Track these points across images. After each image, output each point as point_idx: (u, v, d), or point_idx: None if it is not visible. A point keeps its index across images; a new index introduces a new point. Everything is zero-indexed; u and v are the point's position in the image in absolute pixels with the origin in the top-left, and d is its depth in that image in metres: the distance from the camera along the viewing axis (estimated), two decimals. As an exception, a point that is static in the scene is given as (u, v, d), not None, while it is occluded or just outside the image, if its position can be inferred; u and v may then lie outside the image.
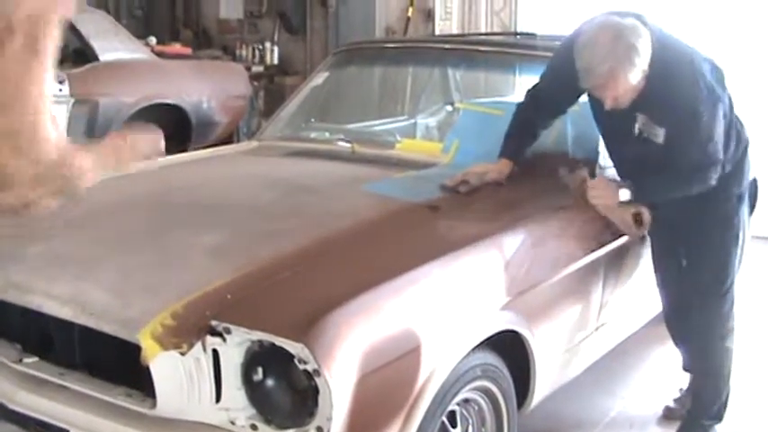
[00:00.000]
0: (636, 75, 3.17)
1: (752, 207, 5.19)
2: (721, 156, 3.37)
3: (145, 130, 0.97)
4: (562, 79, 3.45)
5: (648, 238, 3.83)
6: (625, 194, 3.37)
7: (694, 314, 3.71)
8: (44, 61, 0.94)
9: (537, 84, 3.75)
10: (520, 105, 3.75)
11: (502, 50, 4.73)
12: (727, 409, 3.84)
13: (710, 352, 3.76)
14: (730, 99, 3.50)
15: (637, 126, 3.39)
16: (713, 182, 3.38)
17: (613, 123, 3.51)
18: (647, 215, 3.50)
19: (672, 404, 4.14)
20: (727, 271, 3.64)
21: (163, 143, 0.98)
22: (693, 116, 3.28)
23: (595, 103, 3.46)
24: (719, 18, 7.84)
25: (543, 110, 3.70)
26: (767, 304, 5.72)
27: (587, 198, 3.44)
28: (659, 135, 3.34)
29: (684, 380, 4.13)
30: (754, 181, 4.96)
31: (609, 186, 3.43)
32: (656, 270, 3.87)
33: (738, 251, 3.69)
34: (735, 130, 3.55)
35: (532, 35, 5.12)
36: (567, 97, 3.62)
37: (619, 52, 3.13)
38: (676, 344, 4.06)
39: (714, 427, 3.84)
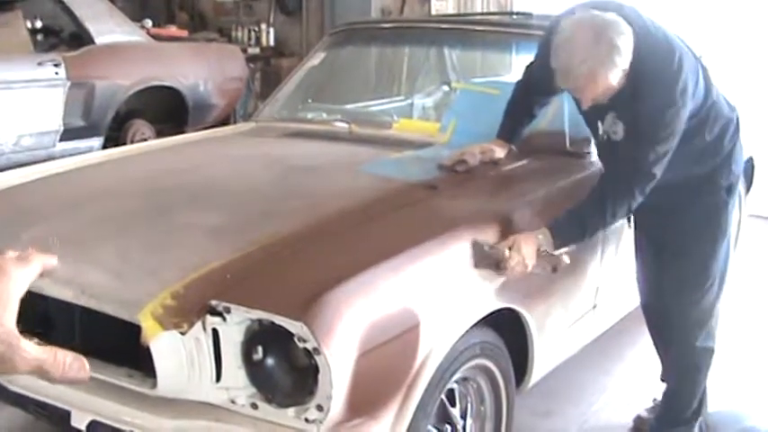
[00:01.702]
0: (616, 75, 2.93)
1: (747, 186, 5.21)
2: (656, 172, 3.08)
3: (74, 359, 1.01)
4: (547, 67, 3.17)
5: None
6: (545, 253, 2.99)
7: (672, 310, 3.55)
8: None
9: (532, 62, 3.65)
10: (518, 83, 3.71)
11: (498, 30, 4.72)
12: (706, 406, 3.73)
13: (687, 351, 3.58)
14: (708, 85, 3.27)
15: (602, 127, 3.21)
16: (634, 203, 3.12)
17: (589, 124, 3.39)
18: (563, 263, 3.10)
19: (644, 413, 3.96)
20: (710, 269, 3.46)
21: (87, 371, 1.02)
22: (657, 113, 3.03)
23: (579, 110, 3.32)
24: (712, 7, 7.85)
25: (538, 89, 3.58)
26: (763, 282, 5.73)
27: (505, 273, 2.93)
28: (618, 132, 3.14)
29: (659, 390, 3.90)
30: (750, 160, 4.97)
31: (526, 251, 2.93)
32: (638, 260, 3.75)
33: (725, 245, 3.50)
34: (715, 113, 3.32)
35: (529, 14, 5.11)
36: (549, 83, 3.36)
37: (599, 52, 2.88)
38: (656, 345, 3.87)
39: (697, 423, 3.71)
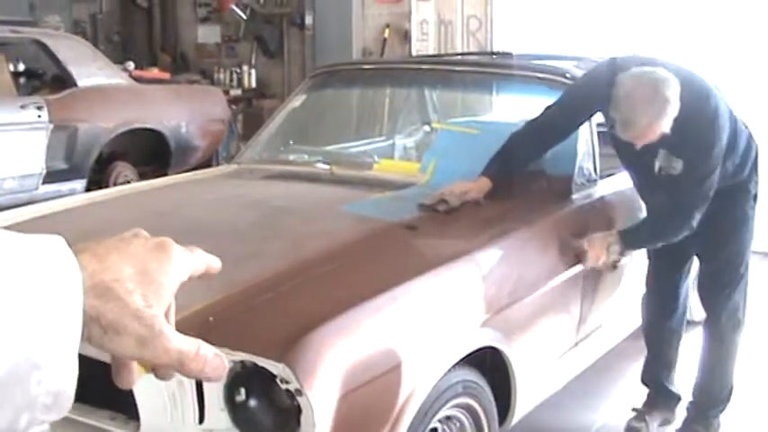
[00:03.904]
0: (668, 123, 3.35)
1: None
2: (711, 195, 3.56)
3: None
4: (580, 108, 3.78)
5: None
6: (615, 251, 3.64)
7: (706, 305, 3.96)
8: None
9: (541, 116, 3.83)
10: (517, 133, 3.81)
11: (478, 70, 4.77)
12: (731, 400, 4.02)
13: (722, 342, 3.91)
14: (735, 119, 3.70)
15: (657, 163, 3.58)
16: (695, 224, 3.57)
17: (636, 161, 3.69)
18: (619, 262, 3.77)
19: (634, 423, 4.12)
20: (740, 267, 3.86)
21: (226, 368, 0.95)
22: (708, 150, 3.49)
23: (619, 143, 3.61)
24: (713, 21, 7.88)
25: (543, 140, 3.82)
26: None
27: (585, 264, 3.61)
28: (677, 168, 3.54)
29: (639, 397, 4.20)
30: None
31: (600, 249, 3.60)
32: (656, 270, 3.99)
33: (749, 249, 3.91)
34: (743, 140, 3.76)
35: (509, 54, 5.15)
36: (576, 124, 3.82)
37: (657, 107, 3.31)
38: (654, 354, 4.14)
39: (719, 418, 4.01)
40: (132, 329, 0.85)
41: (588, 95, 3.73)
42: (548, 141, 3.82)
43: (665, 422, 4.17)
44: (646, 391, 4.19)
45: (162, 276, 0.88)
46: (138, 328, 0.85)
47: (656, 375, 4.16)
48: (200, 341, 0.92)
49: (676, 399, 4.19)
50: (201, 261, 0.97)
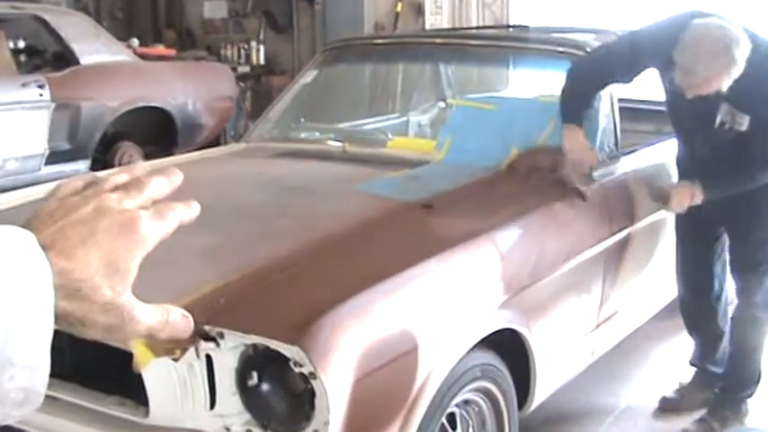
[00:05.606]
0: (728, 82, 3.30)
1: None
2: None
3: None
4: (644, 56, 3.63)
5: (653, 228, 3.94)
6: (699, 198, 3.61)
7: (739, 287, 3.91)
8: None
9: (603, 56, 3.83)
10: (582, 75, 3.76)
11: (494, 44, 4.71)
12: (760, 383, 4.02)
13: (752, 325, 3.88)
14: None
15: (719, 117, 3.54)
16: None
17: (693, 113, 3.62)
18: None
19: (670, 394, 4.18)
20: None
21: (191, 327, 0.99)
22: None
23: (675, 93, 3.53)
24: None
25: (604, 83, 3.79)
26: None
27: (669, 208, 3.71)
28: (743, 123, 3.50)
29: (686, 374, 4.21)
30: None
31: (687, 194, 3.62)
32: (684, 251, 3.98)
33: None
34: None
35: (525, 27, 5.09)
36: (633, 74, 3.74)
37: (721, 63, 3.25)
38: (691, 333, 4.15)
39: (747, 402, 4.01)
40: (100, 322, 0.88)
41: (657, 43, 3.58)
42: (606, 84, 3.81)
43: (702, 405, 4.13)
44: (670, 374, 4.18)
45: (129, 262, 0.89)
46: (105, 320, 0.88)
47: (698, 355, 4.18)
48: (168, 308, 0.95)
49: (714, 380, 4.15)
50: (172, 224, 0.98)
